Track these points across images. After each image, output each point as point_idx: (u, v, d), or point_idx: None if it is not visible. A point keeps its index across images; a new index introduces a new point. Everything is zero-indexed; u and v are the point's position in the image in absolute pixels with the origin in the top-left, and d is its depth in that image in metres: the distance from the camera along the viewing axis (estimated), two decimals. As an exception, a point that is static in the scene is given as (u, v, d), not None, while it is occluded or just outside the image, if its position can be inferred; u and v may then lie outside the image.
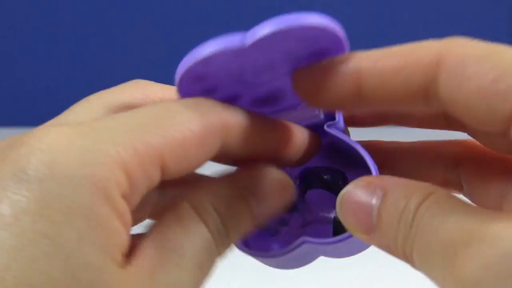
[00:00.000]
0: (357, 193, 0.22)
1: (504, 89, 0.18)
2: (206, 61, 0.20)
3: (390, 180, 0.21)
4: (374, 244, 0.22)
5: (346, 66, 0.21)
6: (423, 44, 0.21)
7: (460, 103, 0.19)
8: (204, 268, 0.21)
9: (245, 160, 0.24)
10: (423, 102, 0.21)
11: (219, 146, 0.21)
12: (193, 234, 0.21)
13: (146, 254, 0.20)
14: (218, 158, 0.23)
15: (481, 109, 0.19)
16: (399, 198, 0.20)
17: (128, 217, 0.20)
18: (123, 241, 0.19)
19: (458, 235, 0.18)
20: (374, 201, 0.21)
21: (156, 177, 0.20)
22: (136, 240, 0.21)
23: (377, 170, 0.24)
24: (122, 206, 0.19)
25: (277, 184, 0.24)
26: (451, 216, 0.19)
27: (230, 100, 0.22)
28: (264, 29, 0.20)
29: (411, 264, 0.20)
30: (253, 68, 0.22)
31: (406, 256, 0.20)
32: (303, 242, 0.24)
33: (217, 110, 0.21)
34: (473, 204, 0.23)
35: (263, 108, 0.25)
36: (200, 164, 0.22)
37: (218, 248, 0.22)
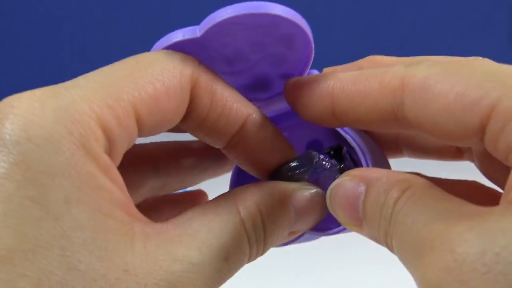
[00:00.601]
0: (343, 187, 0.22)
1: (469, 103, 0.19)
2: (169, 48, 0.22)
3: (373, 173, 0.22)
4: (365, 236, 0.22)
5: (321, 87, 0.23)
6: (392, 69, 0.22)
7: (428, 122, 0.20)
8: (231, 262, 0.21)
9: (212, 129, 0.23)
10: (395, 124, 0.22)
11: (188, 100, 0.22)
12: (225, 223, 0.21)
13: (169, 225, 0.21)
14: (188, 122, 0.23)
15: (449, 125, 0.20)
16: (379, 192, 0.21)
17: (115, 172, 0.20)
18: (116, 197, 0.19)
19: (426, 236, 0.19)
20: (359, 194, 0.22)
21: (133, 131, 0.20)
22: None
23: (368, 161, 0.24)
24: (105, 161, 0.19)
25: (315, 200, 0.24)
26: (422, 215, 0.19)
27: None
28: (210, 19, 0.21)
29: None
30: (219, 56, 0.23)
31: (390, 249, 0.21)
32: None
33: (188, 63, 0.22)
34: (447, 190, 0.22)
35: (256, 94, 0.25)
36: (173, 119, 0.22)
37: (251, 248, 0.22)
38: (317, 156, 0.24)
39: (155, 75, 0.21)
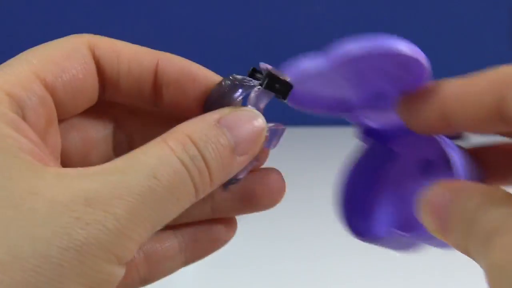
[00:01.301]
0: (432, 194, 0.23)
1: None
2: (300, 79, 0.24)
3: (459, 183, 0.23)
4: (450, 244, 0.23)
5: (430, 91, 0.24)
6: (501, 67, 0.23)
7: None
8: (164, 180, 0.21)
9: (131, 86, 0.26)
10: (500, 124, 0.23)
11: (93, 63, 0.25)
12: (149, 150, 0.22)
13: (87, 167, 0.21)
14: (109, 88, 0.26)
15: None
16: (463, 198, 0.22)
17: (25, 128, 0.21)
18: (26, 146, 0.21)
19: (493, 224, 0.20)
20: (446, 202, 0.22)
21: (41, 93, 0.23)
22: None
23: (463, 173, 0.25)
24: (11, 118, 0.21)
25: (247, 116, 0.24)
26: (497, 209, 0.20)
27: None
28: (341, 53, 0.24)
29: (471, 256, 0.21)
30: (341, 77, 0.25)
31: (469, 253, 0.21)
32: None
33: (85, 35, 0.25)
34: None
35: (377, 103, 0.27)
36: (85, 81, 0.25)
37: (192, 176, 0.22)
38: (238, 77, 0.25)
39: (52, 46, 0.24)
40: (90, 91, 0.25)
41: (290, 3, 1.05)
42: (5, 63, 0.23)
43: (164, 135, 0.23)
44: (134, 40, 0.27)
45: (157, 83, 0.26)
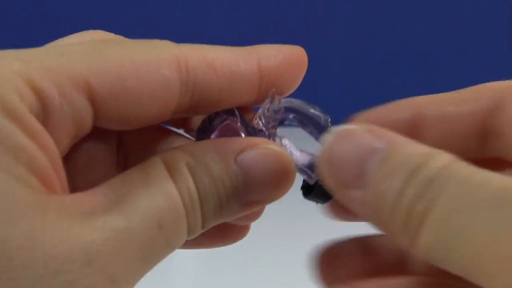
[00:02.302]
0: (354, 136, 0.18)
1: None
2: None
3: (397, 136, 0.19)
4: (356, 201, 0.18)
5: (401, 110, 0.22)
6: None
7: None
8: (166, 229, 0.18)
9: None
10: (480, 141, 0.21)
11: (174, 85, 0.19)
12: (155, 188, 0.18)
13: (89, 194, 0.18)
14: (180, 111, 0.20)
15: None
16: (412, 153, 0.17)
17: (45, 138, 0.17)
18: (37, 163, 0.17)
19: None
20: (374, 150, 0.18)
21: (82, 106, 0.18)
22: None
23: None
24: (31, 122, 0.17)
25: (273, 159, 0.20)
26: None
27: None
28: None
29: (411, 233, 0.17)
30: None
31: (404, 219, 0.17)
32: None
33: (170, 45, 0.20)
34: None
35: None
36: (147, 105, 0.19)
37: (188, 220, 0.19)
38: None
39: (121, 53, 0.18)
40: (162, 114, 0.20)
41: (289, 2, 1.05)
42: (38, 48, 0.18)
43: (170, 162, 0.19)
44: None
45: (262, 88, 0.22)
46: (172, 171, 0.19)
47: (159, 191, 0.18)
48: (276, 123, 0.22)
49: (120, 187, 0.18)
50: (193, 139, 0.23)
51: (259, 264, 0.64)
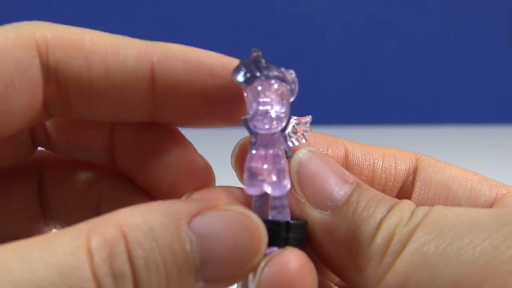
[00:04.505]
0: (331, 160, 0.20)
1: None
2: None
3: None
4: (327, 222, 0.18)
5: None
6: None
7: None
8: None
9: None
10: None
11: (32, 69, 0.16)
12: (62, 243, 0.14)
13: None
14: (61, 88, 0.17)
15: None
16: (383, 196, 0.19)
17: None
18: None
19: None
20: (349, 179, 0.19)
21: None
22: None
23: None
24: None
25: (236, 224, 0.16)
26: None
27: None
28: None
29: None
30: None
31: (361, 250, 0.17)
32: None
33: (30, 26, 0.17)
34: None
35: None
36: (3, 95, 0.16)
37: None
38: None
39: None
40: (27, 112, 0.16)
41: (290, 2, 1.05)
42: None
43: (94, 221, 0.14)
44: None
45: (156, 88, 0.19)
46: (91, 234, 0.14)
47: (57, 254, 0.14)
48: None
49: (24, 248, 0.14)
50: None
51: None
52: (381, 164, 0.23)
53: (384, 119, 1.03)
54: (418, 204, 0.19)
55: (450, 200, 0.22)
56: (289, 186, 0.19)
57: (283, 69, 0.20)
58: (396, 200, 0.19)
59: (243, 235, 0.16)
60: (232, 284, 0.16)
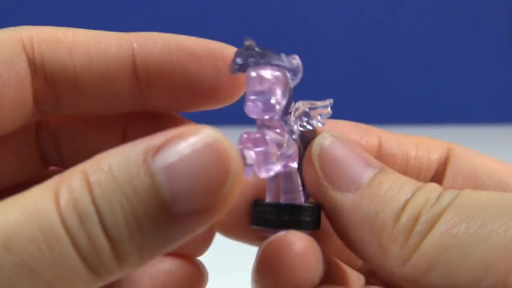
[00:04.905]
0: (355, 145, 0.20)
1: None
2: None
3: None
4: (350, 204, 0.19)
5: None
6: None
7: None
8: (15, 253, 0.14)
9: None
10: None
11: (18, 64, 0.18)
12: (20, 203, 0.15)
13: None
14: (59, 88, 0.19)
15: None
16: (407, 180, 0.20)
17: None
18: None
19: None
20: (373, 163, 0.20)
21: None
22: None
23: None
24: None
25: (205, 149, 0.15)
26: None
27: None
28: None
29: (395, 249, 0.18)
30: None
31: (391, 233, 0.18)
32: None
33: (17, 28, 0.19)
34: None
35: None
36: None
37: (77, 239, 0.14)
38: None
39: None
40: (17, 106, 0.17)
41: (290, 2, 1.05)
42: None
43: (66, 171, 0.15)
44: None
45: (139, 76, 0.19)
46: (62, 181, 0.15)
47: (28, 202, 0.15)
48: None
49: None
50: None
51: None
52: (414, 154, 0.24)
53: (384, 119, 1.03)
54: None
55: (478, 189, 0.21)
56: (274, 169, 0.19)
57: (283, 55, 0.20)
58: (421, 183, 0.19)
59: (210, 158, 0.15)
60: (210, 218, 0.15)
